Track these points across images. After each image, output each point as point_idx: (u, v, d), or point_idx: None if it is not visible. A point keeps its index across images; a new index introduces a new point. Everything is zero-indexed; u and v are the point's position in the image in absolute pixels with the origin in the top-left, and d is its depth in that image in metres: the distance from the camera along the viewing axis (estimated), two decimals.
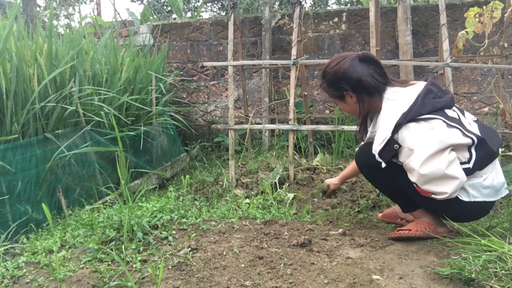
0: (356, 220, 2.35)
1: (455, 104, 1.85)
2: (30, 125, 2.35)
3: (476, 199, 1.74)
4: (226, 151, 4.01)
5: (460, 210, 1.79)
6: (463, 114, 1.83)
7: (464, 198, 1.74)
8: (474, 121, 1.82)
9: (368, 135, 2.01)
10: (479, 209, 1.81)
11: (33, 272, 1.65)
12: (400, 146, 1.72)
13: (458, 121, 1.74)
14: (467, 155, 1.71)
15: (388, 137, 1.72)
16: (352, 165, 2.30)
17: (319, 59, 4.02)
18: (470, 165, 1.70)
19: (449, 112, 1.76)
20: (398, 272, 1.56)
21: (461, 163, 1.69)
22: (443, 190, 1.66)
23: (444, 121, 1.71)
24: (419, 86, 1.81)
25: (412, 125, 1.69)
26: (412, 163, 1.68)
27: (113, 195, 2.45)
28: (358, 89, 1.84)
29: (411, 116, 1.69)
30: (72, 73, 2.69)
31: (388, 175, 1.90)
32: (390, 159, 1.79)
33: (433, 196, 1.70)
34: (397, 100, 1.79)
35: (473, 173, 1.72)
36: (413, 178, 1.72)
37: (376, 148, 1.79)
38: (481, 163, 1.73)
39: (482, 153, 1.72)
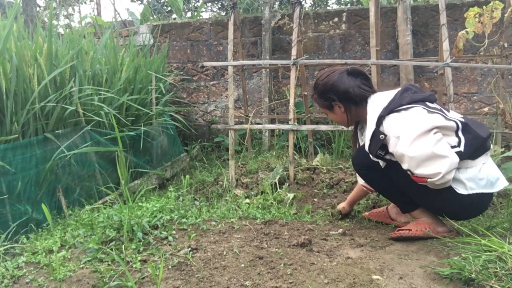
0: (356, 220, 2.35)
1: (442, 105, 1.91)
2: (30, 125, 2.34)
3: (474, 191, 1.75)
4: (226, 151, 4.01)
5: (459, 205, 1.79)
6: (447, 110, 1.86)
7: (462, 191, 1.75)
8: (461, 117, 1.84)
9: (361, 143, 2.09)
10: (478, 203, 1.81)
11: (33, 272, 1.65)
12: (385, 135, 1.78)
13: (439, 110, 1.80)
14: (455, 139, 1.75)
15: (373, 129, 1.82)
16: (357, 188, 2.32)
17: (319, 59, 4.03)
18: (461, 148, 1.73)
19: (430, 104, 1.83)
20: (398, 272, 1.56)
21: (452, 147, 1.72)
22: (436, 170, 1.66)
23: (424, 108, 1.77)
24: (398, 88, 1.92)
25: (393, 115, 1.78)
26: (401, 149, 1.72)
27: (113, 195, 2.45)
28: (346, 99, 1.97)
29: (391, 107, 1.80)
30: (72, 73, 2.69)
31: (385, 175, 1.93)
32: (383, 156, 1.83)
33: (429, 180, 1.70)
34: (378, 101, 1.90)
35: (465, 158, 1.74)
36: (405, 165, 1.74)
37: (367, 145, 1.87)
38: (472, 149, 1.74)
39: (470, 137, 1.75)
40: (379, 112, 1.82)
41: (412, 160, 1.69)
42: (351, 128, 2.19)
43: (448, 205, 1.82)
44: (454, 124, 1.75)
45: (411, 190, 1.87)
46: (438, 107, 1.83)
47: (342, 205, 2.38)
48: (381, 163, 1.88)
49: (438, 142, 1.68)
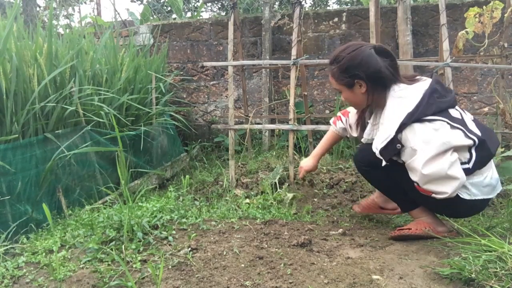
0: (356, 220, 2.35)
1: (462, 110, 1.86)
2: (30, 125, 2.34)
3: (477, 197, 1.77)
4: (226, 151, 4.01)
5: (460, 208, 1.82)
6: (465, 113, 1.85)
7: (466, 196, 1.76)
8: (472, 120, 1.83)
9: (367, 131, 2.00)
10: (477, 206, 1.85)
11: (33, 272, 1.65)
12: (402, 146, 1.73)
13: (461, 122, 1.75)
14: (467, 155, 1.73)
15: (392, 135, 1.72)
16: (325, 138, 2.27)
17: (319, 59, 4.02)
18: (470, 165, 1.72)
19: (452, 112, 1.77)
20: (398, 272, 1.56)
21: (461, 163, 1.71)
22: (444, 190, 1.68)
23: (448, 122, 1.71)
24: (425, 84, 1.81)
25: (416, 125, 1.70)
26: (415, 163, 1.69)
27: (113, 195, 2.45)
28: (374, 79, 1.81)
29: (416, 116, 1.70)
30: (72, 73, 2.69)
31: (387, 174, 1.91)
32: (391, 158, 1.80)
33: (433, 195, 1.73)
34: (403, 98, 1.78)
35: (472, 173, 1.75)
36: (415, 177, 1.73)
37: (378, 145, 1.78)
38: (480, 164, 1.75)
39: (482, 154, 1.74)
40: (401, 116, 1.71)
41: (424, 177, 1.68)
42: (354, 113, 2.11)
43: (450, 208, 1.84)
44: (471, 142, 1.71)
45: (413, 191, 1.85)
46: (460, 117, 1.78)
47: (307, 164, 2.30)
48: (384, 162, 1.83)
49: (453, 164, 1.66)
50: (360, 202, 2.36)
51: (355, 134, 2.16)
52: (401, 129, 1.71)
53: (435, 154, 1.65)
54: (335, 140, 2.30)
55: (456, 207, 1.81)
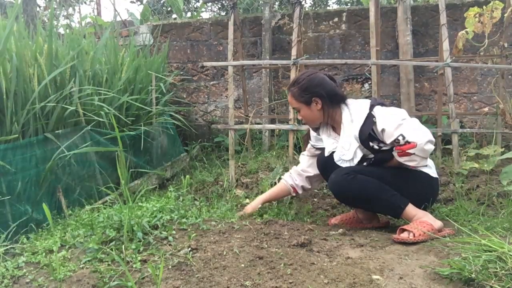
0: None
1: None
2: (30, 125, 2.35)
3: (435, 175, 2.12)
4: (226, 151, 4.01)
5: (433, 188, 2.13)
6: None
7: (433, 174, 2.09)
8: None
9: (329, 142, 2.23)
10: (437, 188, 2.20)
11: (33, 272, 1.65)
12: (376, 118, 2.04)
13: None
14: None
15: (367, 112, 2.06)
16: (278, 186, 2.45)
17: (319, 59, 4.02)
18: None
19: None
20: (398, 272, 1.56)
21: None
22: (424, 135, 1.95)
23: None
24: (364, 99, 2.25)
25: (381, 106, 2.09)
26: (394, 121, 1.98)
27: (113, 195, 2.45)
28: (329, 97, 2.13)
29: (378, 102, 2.13)
30: (72, 73, 2.69)
31: (370, 173, 2.04)
32: (372, 147, 2.05)
33: (418, 145, 1.91)
34: (357, 102, 2.17)
35: None
36: (397, 132, 1.95)
37: (357, 128, 2.06)
38: None
39: None
40: (367, 103, 2.10)
41: (404, 126, 1.95)
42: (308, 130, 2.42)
43: (429, 191, 2.10)
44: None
45: (395, 177, 2.04)
46: None
47: (250, 204, 2.42)
48: (357, 158, 2.08)
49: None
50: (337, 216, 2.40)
51: (309, 169, 2.39)
52: (372, 108, 2.08)
53: (405, 115, 2.03)
54: (281, 190, 2.44)
55: (432, 187, 2.11)
